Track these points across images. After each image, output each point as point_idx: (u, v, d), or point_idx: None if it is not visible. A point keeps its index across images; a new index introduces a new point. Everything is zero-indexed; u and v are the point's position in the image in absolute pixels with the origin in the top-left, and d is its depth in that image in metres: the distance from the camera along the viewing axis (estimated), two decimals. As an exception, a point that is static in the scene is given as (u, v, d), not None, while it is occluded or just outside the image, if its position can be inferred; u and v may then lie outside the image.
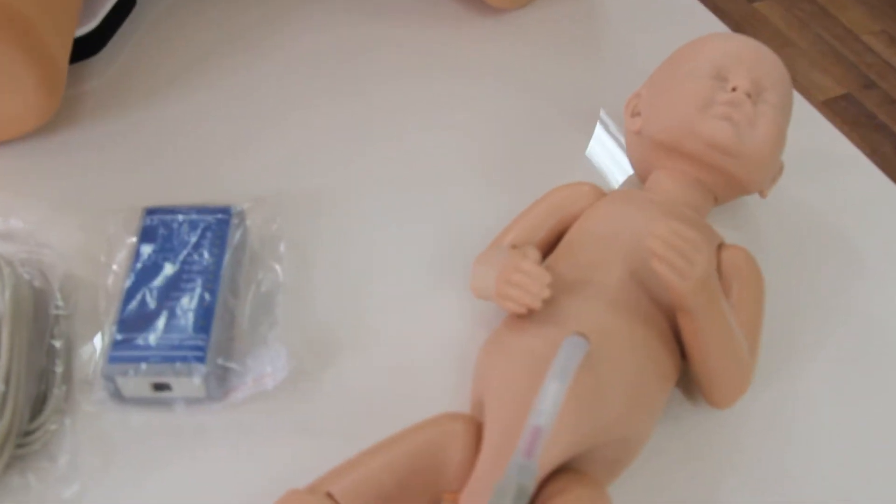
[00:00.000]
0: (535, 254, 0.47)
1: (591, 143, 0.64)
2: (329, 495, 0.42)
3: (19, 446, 0.49)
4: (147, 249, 0.54)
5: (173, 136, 0.65)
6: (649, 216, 0.50)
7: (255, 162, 0.63)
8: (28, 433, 0.49)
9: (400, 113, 0.66)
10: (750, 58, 0.53)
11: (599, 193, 0.54)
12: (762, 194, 0.56)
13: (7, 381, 0.49)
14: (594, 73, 0.69)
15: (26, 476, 0.48)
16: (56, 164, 0.63)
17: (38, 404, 0.51)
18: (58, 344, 0.53)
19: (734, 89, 0.52)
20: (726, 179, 0.53)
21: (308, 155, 0.63)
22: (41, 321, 0.54)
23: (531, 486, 0.38)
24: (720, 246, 0.52)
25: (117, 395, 0.51)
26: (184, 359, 0.49)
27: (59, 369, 0.52)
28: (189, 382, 0.50)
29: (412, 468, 0.43)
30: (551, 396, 0.40)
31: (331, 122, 0.65)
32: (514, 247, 0.50)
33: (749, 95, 0.52)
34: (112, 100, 0.67)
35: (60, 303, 0.55)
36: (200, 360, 0.49)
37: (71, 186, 0.61)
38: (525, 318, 0.46)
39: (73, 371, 0.52)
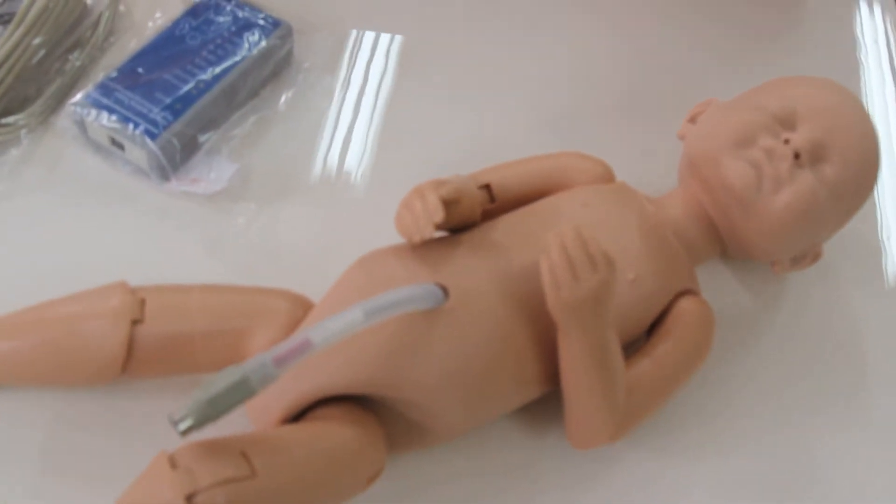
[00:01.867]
0: (451, 188, 0.43)
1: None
2: (143, 301, 0.42)
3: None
4: (187, 21, 0.55)
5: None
6: (618, 221, 0.45)
7: None
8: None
9: (540, 16, 0.62)
10: (830, 119, 0.46)
11: (604, 177, 0.49)
12: (773, 269, 0.49)
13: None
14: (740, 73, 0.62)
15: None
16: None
17: (23, 102, 0.53)
18: (75, 61, 0.55)
19: (787, 141, 0.45)
20: (732, 229, 0.46)
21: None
22: (70, 31, 0.56)
23: (257, 388, 0.36)
24: (685, 293, 0.46)
25: (83, 131, 0.52)
26: (139, 127, 0.50)
27: (56, 84, 0.54)
28: (136, 150, 0.50)
29: (227, 316, 0.42)
30: (343, 322, 0.37)
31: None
32: (481, 181, 0.47)
33: (798, 155, 0.45)
34: None
35: (99, 31, 0.56)
36: (152, 135, 0.50)
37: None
38: (414, 245, 0.43)
39: (69, 92, 0.54)
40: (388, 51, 0.59)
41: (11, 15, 0.54)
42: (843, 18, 0.66)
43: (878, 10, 0.66)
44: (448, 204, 0.43)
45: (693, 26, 0.63)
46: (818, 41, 0.64)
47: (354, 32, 0.60)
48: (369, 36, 0.60)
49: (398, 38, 0.60)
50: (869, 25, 0.65)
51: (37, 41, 0.53)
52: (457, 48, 0.60)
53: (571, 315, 0.40)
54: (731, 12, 0.65)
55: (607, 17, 0.63)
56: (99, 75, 0.54)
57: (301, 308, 0.43)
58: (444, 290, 0.40)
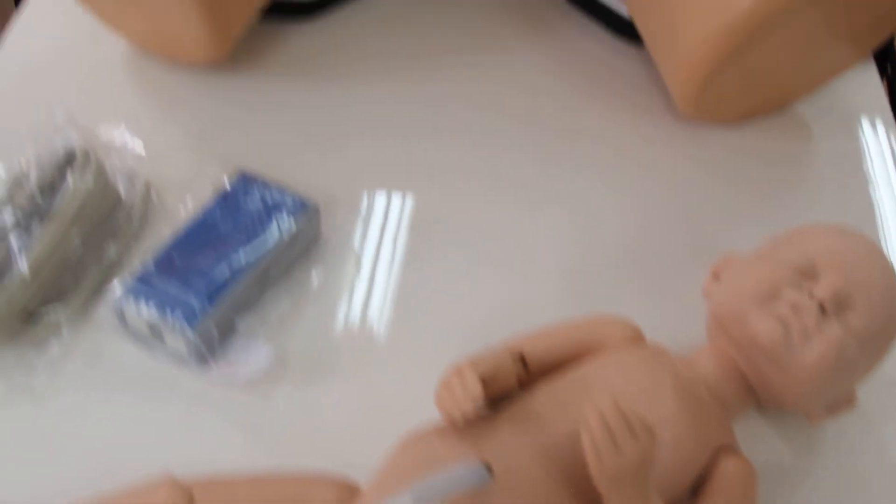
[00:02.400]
0: (488, 365, 0.44)
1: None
2: (192, 498, 0.43)
3: (23, 322, 0.53)
4: (218, 206, 0.57)
5: (323, 116, 0.67)
6: (652, 384, 0.46)
7: (383, 164, 0.64)
8: (35, 315, 0.53)
9: (544, 184, 0.64)
10: (850, 266, 0.47)
11: (634, 339, 0.50)
12: (809, 419, 0.50)
13: (36, 271, 0.53)
14: (760, 208, 0.63)
15: (15, 352, 0.52)
16: (210, 97, 0.67)
17: (61, 294, 0.55)
18: (110, 249, 0.57)
19: (811, 294, 0.46)
20: (766, 384, 0.47)
21: (428, 180, 0.63)
22: (106, 222, 0.58)
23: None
24: (724, 449, 0.46)
25: (122, 322, 0.54)
26: (177, 315, 0.51)
27: (93, 275, 0.56)
28: (175, 338, 0.52)
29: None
30: (392, 508, 0.38)
31: (466, 165, 0.65)
32: (515, 352, 0.48)
33: (823, 307, 0.46)
34: (297, 64, 0.70)
35: (134, 220, 0.58)
36: (191, 323, 0.51)
37: (208, 121, 0.65)
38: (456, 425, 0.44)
39: (107, 283, 0.56)
40: (411, 218, 0.61)
41: (47, 208, 0.56)
42: (851, 157, 0.68)
43: (888, 153, 0.68)
44: (486, 381, 0.44)
45: (702, 181, 0.65)
46: (829, 183, 0.66)
47: (378, 203, 0.62)
48: (395, 206, 0.62)
49: (420, 205, 0.62)
50: (880, 166, 0.67)
51: (75, 235, 0.55)
52: (473, 213, 0.62)
53: (615, 484, 0.40)
54: (741, 157, 0.67)
55: (617, 177, 0.65)
56: (135, 264, 0.56)
57: (347, 493, 0.44)
58: (489, 468, 0.41)
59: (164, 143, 0.63)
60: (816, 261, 0.47)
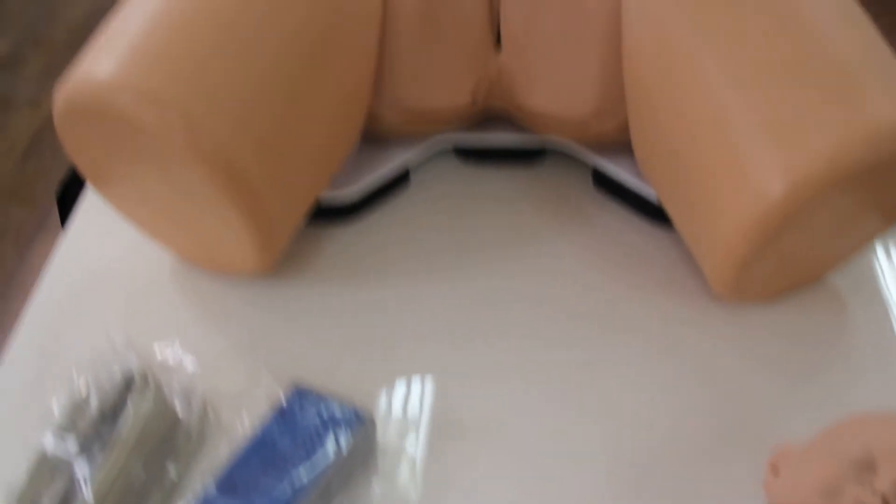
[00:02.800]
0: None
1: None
2: None
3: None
4: (275, 422, 0.58)
5: (368, 319, 0.68)
6: None
7: (428, 364, 0.65)
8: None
9: (584, 378, 0.65)
10: None
11: None
12: None
13: (101, 500, 0.54)
14: (802, 396, 0.64)
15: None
16: (256, 305, 0.69)
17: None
18: (171, 470, 0.58)
19: (873, 488, 0.47)
20: None
21: (483, 386, 0.64)
22: (165, 443, 0.59)
23: None
24: None
25: (187, 544, 0.54)
26: (243, 541, 0.52)
27: (155, 499, 0.56)
28: (242, 563, 0.52)
29: None
30: None
31: (520, 367, 0.66)
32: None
33: (887, 501, 0.46)
34: (339, 267, 0.72)
35: (192, 440, 0.59)
36: (256, 547, 0.51)
37: (257, 330, 0.67)
38: None
39: (172, 498, 0.57)
40: (457, 419, 0.62)
41: (108, 434, 0.57)
42: (888, 328, 0.69)
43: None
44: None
45: (739, 365, 0.66)
46: (867, 359, 0.67)
47: (426, 405, 0.62)
48: (441, 407, 0.63)
49: (465, 404, 0.63)
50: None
51: (137, 460, 0.56)
52: (519, 413, 0.63)
53: None
54: (777, 336, 0.68)
55: (653, 366, 0.66)
56: (197, 486, 0.56)
57: None
58: None
59: (216, 357, 0.65)
60: (875, 453, 0.48)
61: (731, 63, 0.61)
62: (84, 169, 0.67)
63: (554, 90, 0.70)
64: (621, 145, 0.74)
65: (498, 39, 0.71)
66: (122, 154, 0.63)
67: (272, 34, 0.61)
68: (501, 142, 0.79)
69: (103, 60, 0.60)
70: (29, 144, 2.06)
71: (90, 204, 0.78)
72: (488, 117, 0.78)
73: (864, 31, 0.63)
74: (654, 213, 0.75)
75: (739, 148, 0.60)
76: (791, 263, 0.66)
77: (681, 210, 0.66)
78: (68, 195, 0.80)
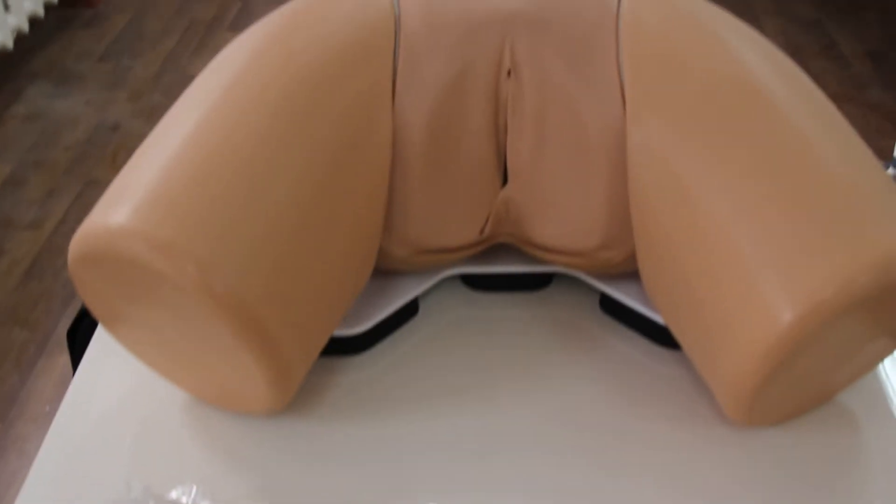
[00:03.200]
0: None
1: None
2: None
3: None
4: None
5: (381, 454, 0.68)
6: None
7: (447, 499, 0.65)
8: None
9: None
10: None
11: None
12: None
13: None
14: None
15: None
16: (269, 444, 0.69)
17: None
18: None
19: None
20: None
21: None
22: None
23: None
24: None
25: None
26: None
27: None
28: None
29: None
30: None
31: None
32: None
33: None
34: (353, 400, 0.72)
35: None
36: None
37: (271, 470, 0.67)
38: None
39: None
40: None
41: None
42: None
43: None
44: None
45: (754, 491, 0.66)
46: (881, 480, 0.66)
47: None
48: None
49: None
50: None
51: None
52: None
53: None
54: (791, 459, 0.68)
55: (667, 492, 0.66)
56: None
57: None
58: None
59: (231, 499, 0.64)
60: None
61: (736, 195, 0.62)
62: (96, 311, 0.68)
63: (561, 223, 0.72)
64: (628, 272, 0.75)
65: (504, 173, 0.72)
66: (135, 298, 0.64)
67: (284, 176, 0.63)
68: (508, 270, 0.80)
69: (116, 207, 0.62)
70: (30, 266, 2.07)
71: (100, 343, 0.78)
72: (495, 245, 0.79)
73: (862, 155, 0.64)
74: (661, 336, 0.76)
75: (750, 277, 0.60)
76: (803, 386, 0.66)
77: (691, 337, 0.67)
78: (79, 335, 0.81)
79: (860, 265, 0.58)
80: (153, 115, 2.59)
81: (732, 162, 0.63)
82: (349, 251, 0.66)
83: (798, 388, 0.66)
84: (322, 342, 0.68)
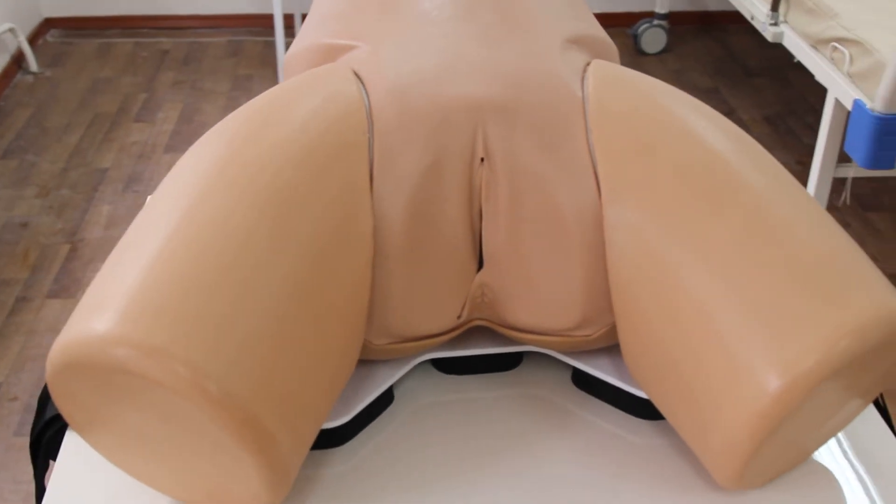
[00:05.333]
0: None
1: None
2: None
3: None
4: None
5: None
6: None
7: None
8: None
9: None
10: None
11: None
12: None
13: None
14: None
15: None
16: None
17: None
18: None
19: None
20: None
21: None
22: None
23: None
24: None
25: None
26: None
27: None
28: None
29: None
30: None
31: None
32: None
33: None
34: (336, 493, 0.72)
35: None
36: None
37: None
38: None
39: None
40: None
41: None
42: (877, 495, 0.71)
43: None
44: None
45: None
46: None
47: None
48: None
49: None
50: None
51: None
52: None
53: None
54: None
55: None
56: None
57: None
58: None
59: None
60: None
61: (715, 270, 0.64)
62: (74, 419, 0.66)
63: (538, 305, 0.73)
64: (601, 348, 0.77)
65: (480, 258, 0.73)
66: (119, 404, 0.63)
67: (270, 276, 0.63)
68: (479, 352, 0.81)
69: (100, 313, 0.61)
70: (-55, 373, 2.00)
71: (72, 452, 0.76)
72: (468, 329, 0.80)
73: (830, 225, 0.68)
74: (636, 408, 0.77)
75: (734, 350, 0.63)
76: (786, 449, 0.68)
77: (677, 410, 0.68)
78: (43, 445, 0.78)
79: (841, 331, 0.61)
80: (63, 210, 2.55)
81: (708, 239, 0.65)
82: (337, 343, 0.66)
83: (782, 450, 0.68)
84: (314, 434, 0.68)
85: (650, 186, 0.68)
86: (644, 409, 0.77)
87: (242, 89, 3.31)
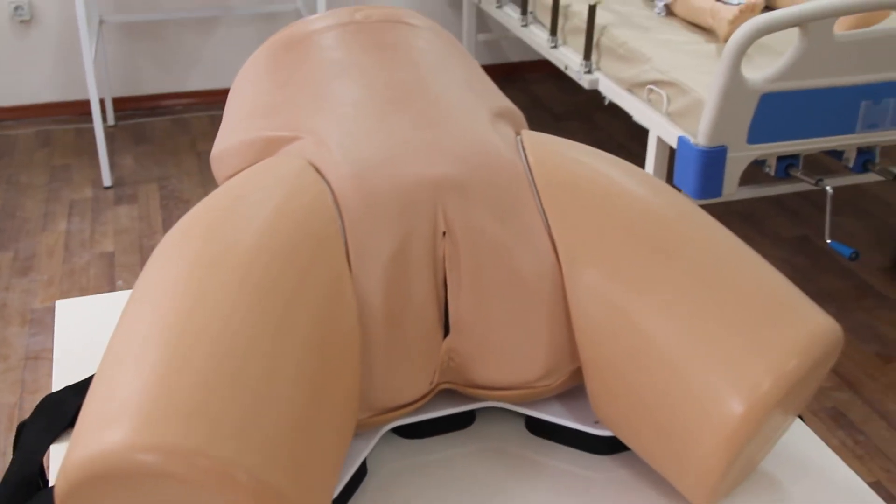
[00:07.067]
0: None
1: None
2: None
3: None
4: None
5: None
6: None
7: None
8: None
9: None
10: None
11: None
12: None
13: None
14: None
15: None
16: None
17: None
18: None
19: None
20: None
21: None
22: None
23: None
24: None
25: None
26: None
27: None
28: None
29: None
30: None
31: None
32: None
33: None
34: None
35: None
36: None
37: None
38: None
39: None
40: None
41: None
42: (823, 496, 0.79)
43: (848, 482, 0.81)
44: None
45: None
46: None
47: None
48: None
49: None
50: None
51: None
52: None
53: None
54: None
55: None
56: None
57: None
58: None
59: None
60: None
61: (674, 314, 0.72)
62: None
63: (503, 363, 0.78)
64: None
65: (447, 325, 0.78)
66: None
67: (281, 366, 0.65)
68: (440, 413, 0.85)
69: (112, 425, 0.61)
70: None
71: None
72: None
73: (758, 260, 0.76)
74: (593, 445, 0.84)
75: (700, 383, 0.70)
76: (745, 463, 0.76)
77: (647, 443, 0.75)
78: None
79: (789, 353, 0.69)
80: None
81: (663, 287, 0.72)
82: (342, 424, 0.69)
83: (742, 466, 0.75)
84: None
85: (604, 245, 0.75)
86: (600, 445, 0.83)
87: (62, 180, 3.22)
